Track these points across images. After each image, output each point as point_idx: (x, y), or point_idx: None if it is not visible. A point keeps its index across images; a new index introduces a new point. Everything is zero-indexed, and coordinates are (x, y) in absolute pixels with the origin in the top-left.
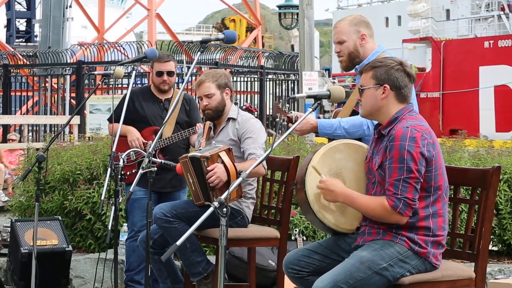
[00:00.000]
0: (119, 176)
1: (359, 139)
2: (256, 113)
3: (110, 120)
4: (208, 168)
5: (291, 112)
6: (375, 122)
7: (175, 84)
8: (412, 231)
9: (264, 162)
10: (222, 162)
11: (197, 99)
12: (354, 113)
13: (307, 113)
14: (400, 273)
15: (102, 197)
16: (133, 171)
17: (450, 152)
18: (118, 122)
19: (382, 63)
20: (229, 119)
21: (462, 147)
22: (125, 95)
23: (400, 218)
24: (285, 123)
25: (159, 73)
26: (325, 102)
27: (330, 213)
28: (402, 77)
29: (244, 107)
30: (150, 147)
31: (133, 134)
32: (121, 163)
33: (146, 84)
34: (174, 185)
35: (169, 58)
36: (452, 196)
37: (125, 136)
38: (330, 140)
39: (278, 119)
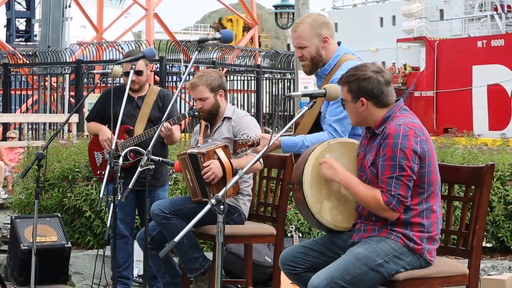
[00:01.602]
0: (118, 174)
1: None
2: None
3: (87, 119)
4: (204, 164)
5: (251, 137)
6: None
7: (172, 82)
8: (407, 228)
9: (261, 158)
10: (218, 158)
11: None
12: (320, 115)
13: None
14: (395, 269)
15: (101, 195)
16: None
17: (442, 147)
18: (94, 121)
19: (353, 76)
20: (224, 118)
21: (455, 144)
22: (101, 94)
23: (392, 214)
24: (249, 151)
25: (127, 74)
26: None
27: (328, 213)
28: (376, 85)
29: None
30: (122, 146)
31: (104, 134)
32: (120, 161)
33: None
34: (151, 184)
35: (134, 57)
36: (446, 193)
37: (98, 135)
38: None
39: (240, 154)
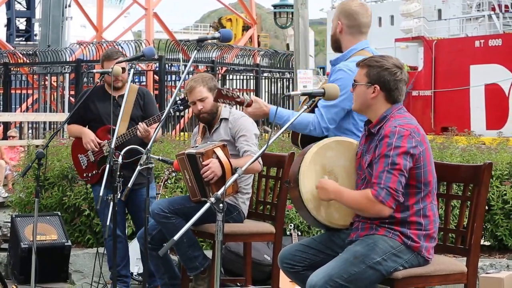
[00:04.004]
0: (118, 173)
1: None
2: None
3: (68, 122)
4: (203, 163)
5: (243, 96)
6: (323, 125)
7: (171, 81)
8: (404, 226)
9: (260, 158)
10: (217, 157)
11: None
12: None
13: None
14: (393, 267)
15: (101, 193)
16: (94, 172)
17: (442, 149)
18: (76, 123)
19: (378, 63)
20: (221, 119)
21: (453, 143)
22: (81, 94)
23: (382, 207)
24: (232, 106)
25: (109, 73)
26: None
27: (324, 210)
28: (394, 80)
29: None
30: (107, 147)
31: (87, 136)
32: (120, 159)
33: (100, 83)
34: (135, 182)
35: (118, 55)
36: (445, 192)
37: (81, 137)
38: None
39: (223, 105)
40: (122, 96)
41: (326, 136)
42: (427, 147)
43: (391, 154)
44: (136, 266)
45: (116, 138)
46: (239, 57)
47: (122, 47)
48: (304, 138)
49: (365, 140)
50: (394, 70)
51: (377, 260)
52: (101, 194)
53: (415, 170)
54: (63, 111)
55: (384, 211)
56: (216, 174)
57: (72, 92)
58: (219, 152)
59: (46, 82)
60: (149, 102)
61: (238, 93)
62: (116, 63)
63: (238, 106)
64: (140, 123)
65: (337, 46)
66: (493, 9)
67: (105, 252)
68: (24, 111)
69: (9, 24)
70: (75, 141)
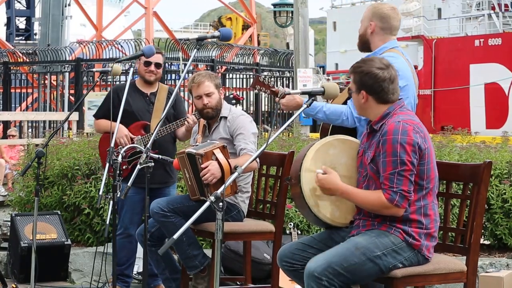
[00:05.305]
0: (117, 171)
1: (351, 133)
2: (242, 100)
3: (96, 116)
4: (202, 166)
5: (279, 87)
6: (356, 115)
7: (171, 80)
8: (405, 224)
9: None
10: (217, 159)
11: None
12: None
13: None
14: (393, 264)
15: (101, 192)
16: (124, 167)
17: (440, 147)
18: (105, 118)
19: (358, 68)
20: (221, 118)
21: (451, 141)
22: (110, 91)
23: (397, 210)
24: (266, 94)
25: (147, 63)
26: (319, 98)
27: (325, 207)
28: (377, 82)
29: (232, 95)
30: (140, 142)
31: (121, 131)
32: (119, 158)
33: (132, 80)
34: (162, 181)
35: (156, 50)
36: (444, 191)
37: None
38: (321, 133)
39: (256, 91)
40: (153, 94)
41: (355, 128)
42: (429, 143)
43: (398, 153)
44: (136, 265)
45: (150, 134)
46: (239, 56)
47: (122, 46)
48: (334, 131)
49: (367, 138)
50: (375, 72)
51: (377, 254)
52: (100, 193)
53: (419, 166)
54: (63, 110)
55: (399, 212)
56: (216, 177)
57: (72, 91)
58: (219, 154)
59: (46, 81)
60: (179, 101)
61: (274, 83)
62: (116, 62)
63: (271, 96)
64: (188, 114)
65: (365, 46)
66: (493, 8)
67: (105, 250)
68: (24, 110)
69: (9, 23)
70: (104, 136)
